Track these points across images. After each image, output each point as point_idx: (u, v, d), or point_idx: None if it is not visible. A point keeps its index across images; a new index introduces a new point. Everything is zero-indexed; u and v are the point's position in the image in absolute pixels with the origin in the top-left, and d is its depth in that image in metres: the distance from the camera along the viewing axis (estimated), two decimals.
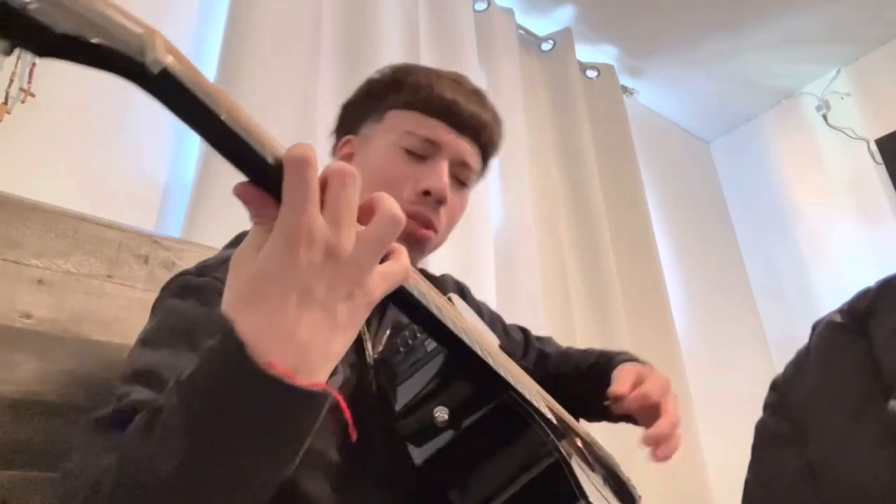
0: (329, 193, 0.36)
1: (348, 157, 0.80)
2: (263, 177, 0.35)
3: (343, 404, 0.38)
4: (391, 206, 0.38)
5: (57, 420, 0.71)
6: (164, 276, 0.87)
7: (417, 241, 0.73)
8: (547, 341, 1.03)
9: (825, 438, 0.70)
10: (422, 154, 0.74)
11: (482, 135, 0.79)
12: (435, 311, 0.46)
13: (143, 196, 1.24)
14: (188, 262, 0.90)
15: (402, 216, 0.38)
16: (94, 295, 0.80)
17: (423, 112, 0.75)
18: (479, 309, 0.96)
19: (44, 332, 0.74)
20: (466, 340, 0.50)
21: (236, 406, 0.35)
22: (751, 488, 0.80)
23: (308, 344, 0.36)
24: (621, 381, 0.75)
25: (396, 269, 0.39)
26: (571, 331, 1.83)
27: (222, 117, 0.33)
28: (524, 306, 1.70)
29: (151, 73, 0.31)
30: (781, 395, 0.80)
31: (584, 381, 0.86)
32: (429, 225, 0.73)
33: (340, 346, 0.37)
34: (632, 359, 0.87)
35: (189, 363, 0.43)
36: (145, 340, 0.57)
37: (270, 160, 0.35)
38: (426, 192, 0.72)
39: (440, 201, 0.73)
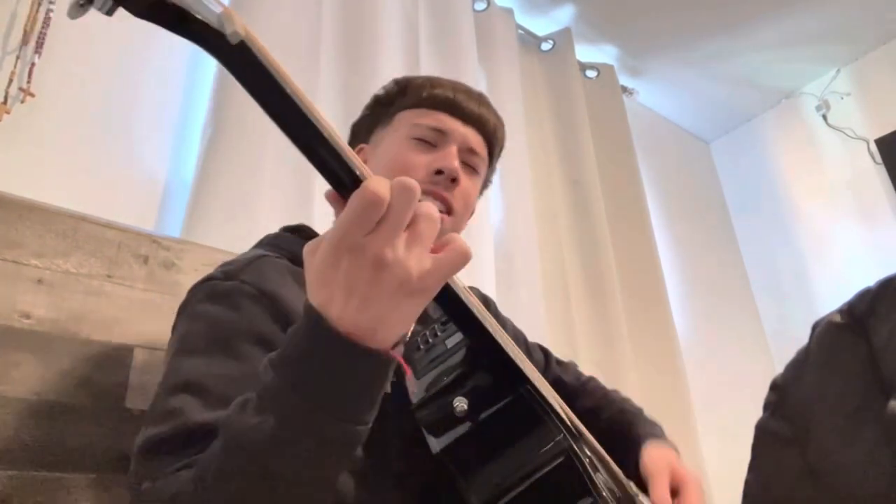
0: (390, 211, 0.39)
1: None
2: (317, 148, 0.39)
3: (403, 362, 0.44)
4: (462, 243, 0.42)
5: (57, 420, 0.71)
6: (164, 276, 0.87)
7: None
8: (566, 367, 1.00)
9: (825, 438, 0.70)
10: (431, 142, 0.79)
11: (486, 125, 0.83)
12: (464, 299, 0.49)
13: (143, 196, 1.24)
14: (188, 261, 0.90)
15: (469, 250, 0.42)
16: (94, 295, 0.80)
17: (429, 107, 0.80)
18: (504, 324, 0.96)
19: (44, 332, 0.74)
20: (491, 331, 0.52)
21: (320, 368, 0.41)
22: (751, 488, 0.80)
23: (385, 328, 0.41)
24: (660, 488, 0.73)
25: (451, 259, 0.43)
26: (571, 330, 1.83)
27: (287, 90, 0.37)
28: (524, 306, 1.70)
29: (230, 43, 0.34)
30: (781, 395, 0.79)
31: (597, 432, 0.81)
32: (445, 204, 0.78)
33: (406, 326, 0.43)
34: (652, 434, 0.82)
35: (228, 369, 0.53)
36: (183, 349, 0.59)
37: (326, 135, 0.39)
38: (438, 172, 0.76)
39: (453, 179, 0.77)
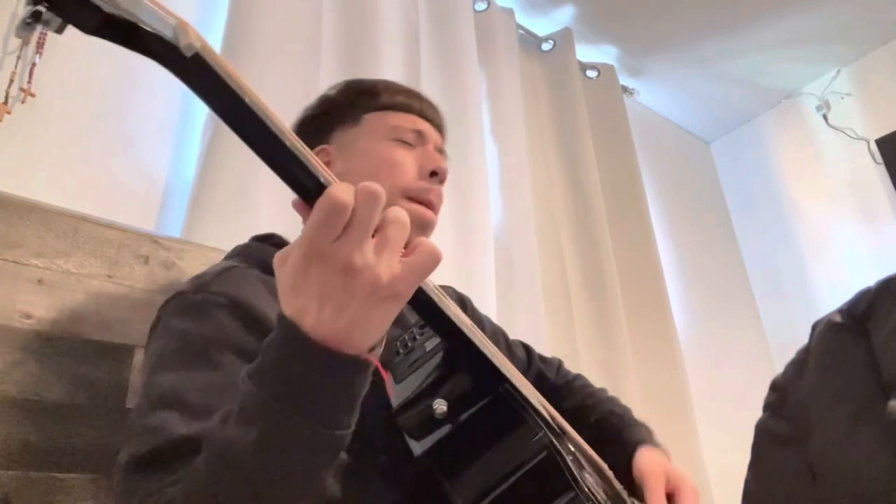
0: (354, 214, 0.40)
1: (327, 165, 0.81)
2: (280, 157, 0.39)
3: (379, 366, 0.45)
4: (431, 246, 0.42)
5: (57, 420, 0.72)
6: (164, 276, 0.87)
7: (427, 223, 0.79)
8: (550, 363, 1.00)
9: (825, 438, 0.70)
10: (411, 143, 0.82)
11: (443, 130, 0.89)
12: (437, 301, 0.49)
13: (143, 196, 1.24)
14: (188, 261, 0.91)
15: (440, 252, 0.42)
16: (94, 295, 0.80)
17: (402, 110, 0.83)
18: (481, 322, 0.97)
19: (44, 332, 0.74)
20: (466, 332, 0.52)
21: (298, 377, 0.41)
22: (751, 488, 0.80)
23: (361, 333, 0.42)
24: (657, 490, 0.72)
25: (421, 262, 0.43)
26: (571, 330, 1.83)
27: (246, 101, 0.37)
28: (524, 306, 1.70)
29: (185, 56, 0.34)
30: (781, 395, 0.80)
31: (586, 434, 0.80)
32: (433, 206, 0.80)
33: (381, 330, 0.43)
34: (644, 438, 0.81)
35: (206, 380, 0.53)
36: (159, 365, 0.59)
37: (288, 144, 0.39)
38: (433, 173, 0.80)
39: (443, 180, 0.81)
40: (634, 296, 2.07)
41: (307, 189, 0.40)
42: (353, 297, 0.39)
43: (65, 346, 0.75)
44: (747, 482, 0.80)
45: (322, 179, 0.40)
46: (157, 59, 0.34)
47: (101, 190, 1.17)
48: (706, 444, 1.93)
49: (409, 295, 0.42)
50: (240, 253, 0.76)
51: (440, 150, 0.85)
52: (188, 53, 0.34)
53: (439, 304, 0.49)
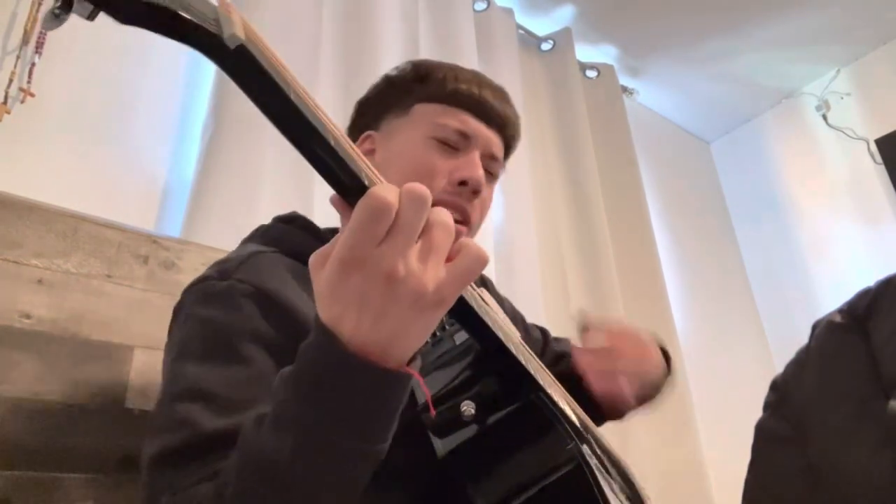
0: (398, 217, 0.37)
1: (369, 153, 0.78)
2: (323, 155, 0.36)
3: (422, 382, 0.43)
4: (476, 247, 0.39)
5: (57, 420, 0.72)
6: (164, 276, 0.87)
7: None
8: (565, 343, 1.00)
9: (825, 438, 0.70)
10: (454, 146, 0.74)
11: (507, 128, 0.80)
12: (476, 308, 0.47)
13: (143, 196, 1.24)
14: (188, 261, 0.91)
15: (486, 254, 0.40)
16: (94, 295, 0.80)
17: (453, 105, 0.75)
18: (502, 304, 0.95)
19: (44, 332, 0.74)
20: (502, 338, 0.50)
21: (336, 389, 0.39)
22: (751, 488, 0.80)
23: (401, 344, 0.39)
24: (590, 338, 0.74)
25: (467, 266, 0.40)
26: (571, 330, 1.82)
27: (291, 96, 0.34)
28: (524, 305, 1.68)
29: (228, 48, 0.31)
30: (781, 395, 0.80)
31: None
32: (464, 216, 0.73)
33: (422, 340, 0.40)
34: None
35: (232, 373, 0.52)
36: (183, 354, 0.57)
37: (332, 142, 0.36)
38: (462, 183, 0.72)
39: (476, 191, 0.73)
40: (634, 296, 2.07)
41: (348, 189, 0.37)
42: (395, 305, 0.37)
43: (65, 346, 0.75)
44: (747, 482, 0.81)
45: (366, 181, 0.37)
46: (197, 48, 0.31)
47: (101, 190, 1.17)
48: (706, 444, 1.93)
49: (453, 302, 0.39)
50: (263, 234, 0.72)
51: (492, 156, 0.77)
52: (231, 45, 0.31)
53: (478, 310, 0.47)
